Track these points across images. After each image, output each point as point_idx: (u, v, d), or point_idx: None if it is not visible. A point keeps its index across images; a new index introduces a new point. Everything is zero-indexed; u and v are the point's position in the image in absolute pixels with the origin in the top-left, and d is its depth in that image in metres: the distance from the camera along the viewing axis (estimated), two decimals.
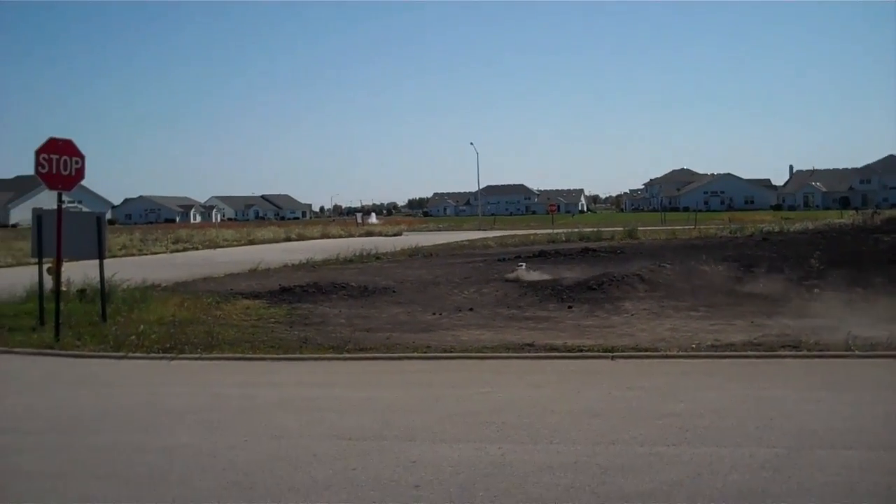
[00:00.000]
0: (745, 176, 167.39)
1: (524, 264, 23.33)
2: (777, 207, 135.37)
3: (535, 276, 21.39)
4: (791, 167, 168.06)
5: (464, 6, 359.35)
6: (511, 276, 22.01)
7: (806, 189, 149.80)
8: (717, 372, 10.25)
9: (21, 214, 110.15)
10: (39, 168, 13.77)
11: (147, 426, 8.24)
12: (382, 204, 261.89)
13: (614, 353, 11.34)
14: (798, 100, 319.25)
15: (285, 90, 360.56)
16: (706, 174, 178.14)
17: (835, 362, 10.63)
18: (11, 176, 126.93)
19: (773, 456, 6.53)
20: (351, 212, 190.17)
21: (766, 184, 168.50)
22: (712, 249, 29.04)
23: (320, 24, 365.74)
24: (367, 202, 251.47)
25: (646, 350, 11.61)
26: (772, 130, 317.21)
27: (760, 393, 8.93)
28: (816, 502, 5.56)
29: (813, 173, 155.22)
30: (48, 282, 14.90)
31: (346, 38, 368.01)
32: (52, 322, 13.99)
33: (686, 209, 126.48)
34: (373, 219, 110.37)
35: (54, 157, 13.91)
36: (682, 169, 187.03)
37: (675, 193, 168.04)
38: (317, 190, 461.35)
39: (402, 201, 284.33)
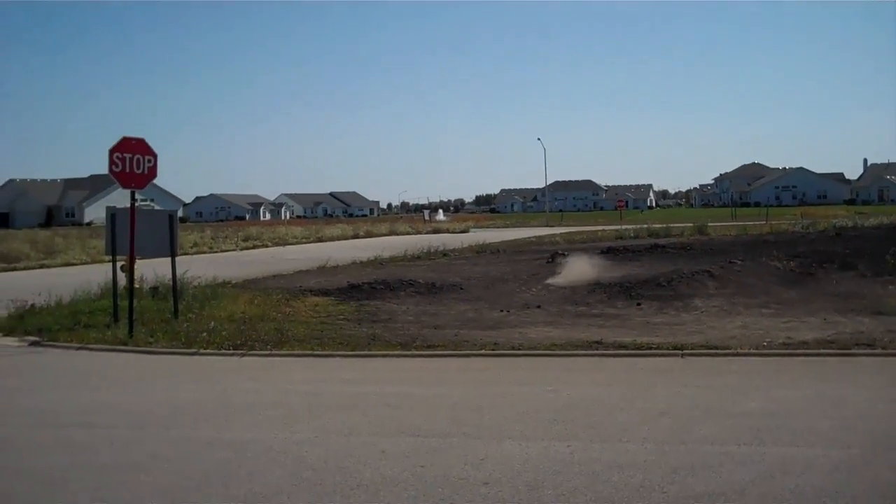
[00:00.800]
0: (818, 170, 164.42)
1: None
2: (850, 202, 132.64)
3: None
4: (865, 160, 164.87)
5: (527, 4, 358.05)
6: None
7: (881, 182, 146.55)
8: (790, 370, 10.11)
9: (95, 213, 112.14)
10: (113, 167, 14.01)
11: (218, 421, 8.35)
12: (450, 200, 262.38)
13: (684, 351, 11.24)
14: (872, 91, 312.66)
15: (354, 88, 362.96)
16: (777, 168, 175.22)
17: None
18: (86, 175, 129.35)
19: (848, 456, 6.42)
20: (418, 209, 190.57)
21: (839, 178, 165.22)
22: (784, 245, 28.56)
23: (389, 20, 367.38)
24: (435, 199, 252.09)
25: (716, 348, 11.48)
26: (845, 122, 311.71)
27: (834, 392, 8.79)
28: None
29: (888, 166, 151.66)
30: (122, 279, 15.16)
31: (414, 34, 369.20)
32: (125, 319, 14.26)
33: (757, 204, 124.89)
34: (440, 216, 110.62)
35: (127, 155, 14.14)
36: (753, 163, 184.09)
37: (745, 188, 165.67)
38: (385, 187, 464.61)
39: (469, 198, 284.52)
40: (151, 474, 6.61)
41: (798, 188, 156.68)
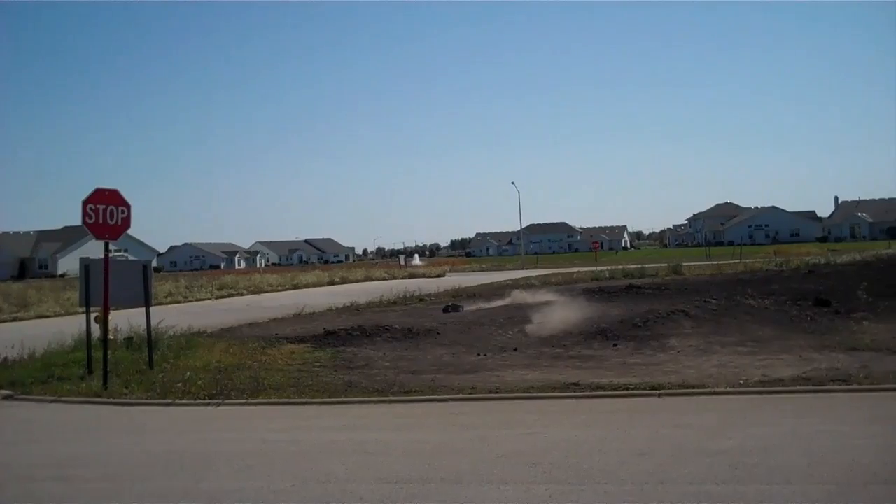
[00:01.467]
0: (790, 208, 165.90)
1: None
2: (823, 239, 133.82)
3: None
4: (836, 198, 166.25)
5: (496, 43, 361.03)
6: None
7: (852, 220, 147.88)
8: (766, 407, 10.14)
9: (69, 264, 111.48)
10: (87, 218, 13.99)
11: (195, 472, 8.27)
12: (425, 245, 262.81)
13: (661, 391, 11.26)
14: (842, 130, 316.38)
15: (324, 134, 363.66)
16: (750, 207, 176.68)
17: (886, 396, 10.50)
18: (59, 226, 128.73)
19: (825, 493, 6.43)
20: (394, 254, 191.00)
21: (811, 216, 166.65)
22: (758, 284, 28.74)
23: (360, 63, 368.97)
24: (410, 244, 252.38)
25: (693, 387, 11.51)
26: (816, 162, 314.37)
27: (811, 428, 8.82)
28: None
29: (859, 204, 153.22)
30: (96, 330, 15.07)
31: (383, 79, 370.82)
32: (99, 370, 14.14)
33: (731, 243, 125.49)
34: (416, 260, 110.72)
35: (101, 206, 14.12)
36: (726, 203, 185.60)
37: (719, 228, 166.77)
38: (360, 233, 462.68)
39: (444, 242, 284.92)
40: None
41: (771, 227, 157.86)
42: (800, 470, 7.10)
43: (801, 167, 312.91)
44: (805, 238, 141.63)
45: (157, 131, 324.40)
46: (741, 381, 11.73)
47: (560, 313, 22.52)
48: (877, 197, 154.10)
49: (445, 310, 21.85)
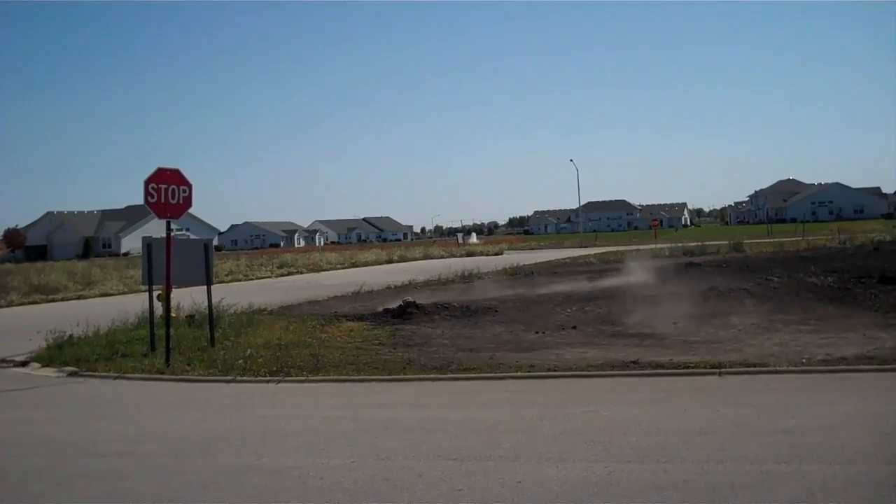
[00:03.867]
0: (854, 185, 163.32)
1: None
2: (888, 216, 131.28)
3: None
4: None
5: (561, 24, 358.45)
6: None
7: None
8: (829, 387, 9.99)
9: (132, 243, 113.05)
10: (149, 197, 14.13)
11: (255, 448, 8.35)
12: (483, 223, 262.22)
13: (722, 370, 11.13)
14: None
15: (387, 112, 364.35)
16: (813, 184, 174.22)
17: None
18: (122, 206, 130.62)
19: (891, 473, 6.33)
20: (452, 232, 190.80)
21: (875, 192, 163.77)
22: (821, 261, 28.36)
23: (418, 46, 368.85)
24: (468, 222, 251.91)
25: (754, 365, 11.37)
26: (881, 136, 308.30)
27: (875, 408, 8.68)
28: None
29: None
30: (158, 308, 15.27)
31: (443, 60, 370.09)
32: (162, 348, 14.34)
33: (793, 220, 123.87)
34: (473, 238, 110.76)
35: (162, 186, 14.25)
36: (789, 179, 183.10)
37: (781, 205, 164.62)
38: (418, 211, 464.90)
39: (502, 220, 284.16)
40: (190, 502, 6.63)
41: (834, 203, 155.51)
42: (864, 450, 6.99)
43: (865, 142, 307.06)
44: (870, 215, 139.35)
45: (219, 110, 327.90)
46: (804, 360, 11.55)
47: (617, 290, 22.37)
48: None
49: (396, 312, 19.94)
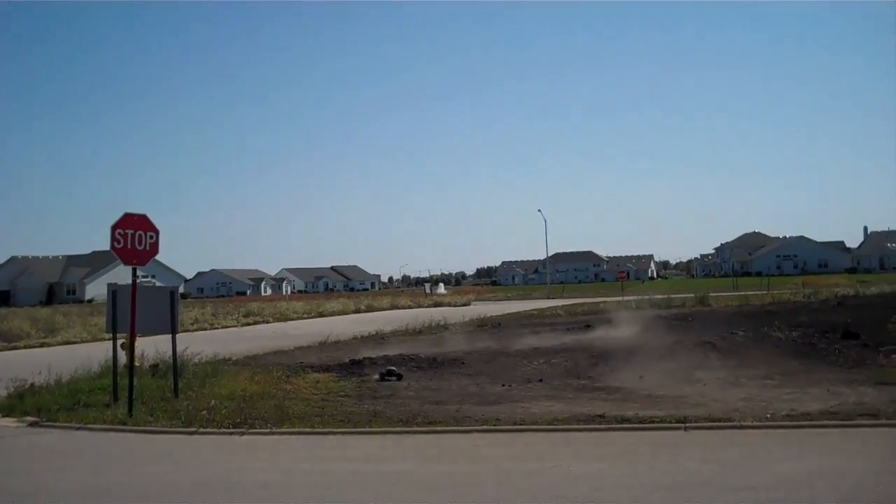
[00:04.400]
0: (819, 238, 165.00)
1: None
2: (852, 270, 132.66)
3: None
4: (866, 228, 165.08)
5: (524, 68, 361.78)
6: None
7: (882, 250, 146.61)
8: (794, 442, 10.04)
9: (96, 289, 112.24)
10: (115, 243, 14.06)
11: (219, 501, 8.27)
12: (451, 273, 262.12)
13: (687, 424, 11.16)
14: (873, 160, 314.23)
15: (355, 162, 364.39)
16: (778, 237, 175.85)
17: None
18: (88, 251, 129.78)
19: None
20: (419, 282, 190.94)
21: (839, 246, 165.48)
22: (786, 315, 28.59)
23: (384, 99, 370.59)
24: (436, 272, 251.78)
25: (719, 420, 11.41)
26: (845, 191, 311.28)
27: (838, 464, 8.73)
28: None
29: (889, 234, 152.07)
30: (122, 357, 15.14)
31: (413, 106, 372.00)
32: (125, 398, 14.19)
33: (758, 274, 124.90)
34: (441, 289, 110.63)
35: (129, 232, 14.19)
36: (754, 232, 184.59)
37: (746, 258, 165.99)
38: (385, 260, 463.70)
39: (470, 270, 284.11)
40: None
41: (799, 257, 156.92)
42: None
43: (829, 197, 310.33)
44: (834, 269, 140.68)
45: (186, 156, 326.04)
46: (768, 415, 11.61)
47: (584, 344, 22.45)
48: None
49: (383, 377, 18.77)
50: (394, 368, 18.12)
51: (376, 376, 17.62)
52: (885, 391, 13.46)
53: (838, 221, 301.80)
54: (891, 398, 12.59)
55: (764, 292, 55.44)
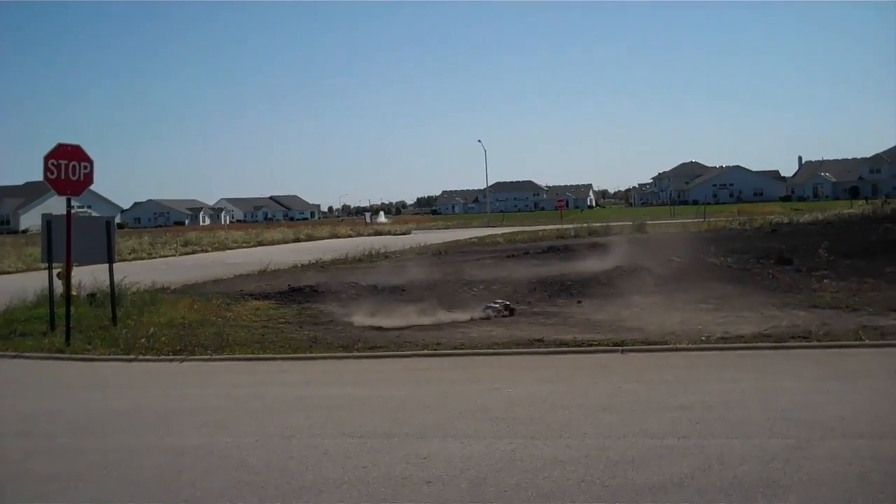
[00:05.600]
0: (754, 168, 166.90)
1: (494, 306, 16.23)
2: (786, 199, 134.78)
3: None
4: (800, 158, 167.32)
5: (467, 4, 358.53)
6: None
7: (815, 180, 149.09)
8: (727, 364, 10.23)
9: (31, 220, 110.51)
10: (48, 174, 13.81)
11: (158, 428, 8.25)
12: (391, 203, 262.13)
13: (624, 347, 11.33)
14: (806, 90, 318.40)
15: (293, 91, 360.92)
16: (715, 167, 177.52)
17: (845, 352, 10.61)
18: (21, 182, 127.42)
19: (784, 447, 6.52)
20: (360, 211, 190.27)
21: (775, 175, 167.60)
22: (721, 242, 28.97)
23: (325, 23, 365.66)
24: (376, 201, 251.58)
25: (655, 343, 11.60)
26: (780, 122, 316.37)
27: (771, 384, 8.92)
28: (828, 492, 5.55)
29: (822, 164, 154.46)
30: (58, 287, 14.95)
31: (352, 39, 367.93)
32: (62, 327, 14.03)
33: (695, 202, 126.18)
34: (381, 218, 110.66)
35: (63, 162, 13.94)
36: (691, 162, 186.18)
37: (683, 187, 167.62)
38: (325, 190, 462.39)
39: (410, 200, 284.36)
40: (91, 482, 6.52)
41: (735, 186, 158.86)
42: (760, 425, 7.19)
43: (765, 127, 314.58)
44: (769, 197, 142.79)
45: (124, 88, 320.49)
46: (703, 338, 11.82)
47: (523, 271, 22.59)
48: (840, 157, 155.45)
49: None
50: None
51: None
52: (816, 314, 13.76)
53: (774, 152, 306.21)
54: (822, 321, 12.89)
55: (700, 220, 56.12)
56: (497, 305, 15.67)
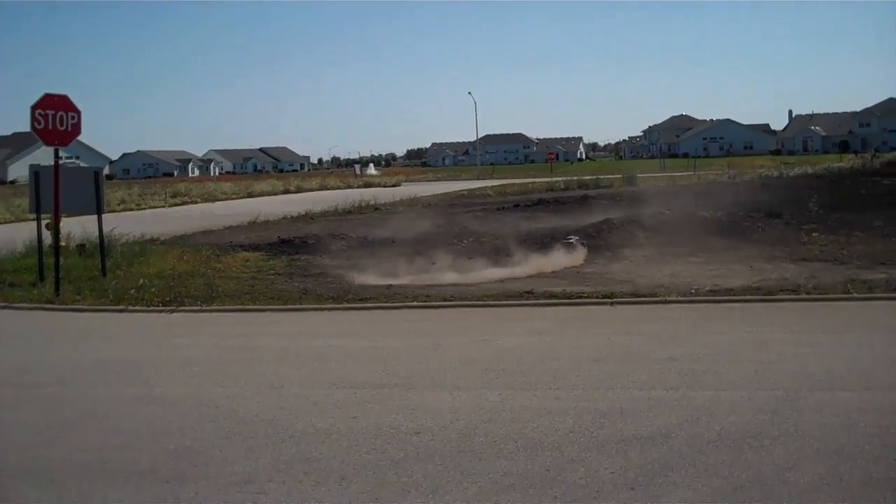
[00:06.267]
0: (744, 121, 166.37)
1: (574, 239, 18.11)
2: (776, 152, 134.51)
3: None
4: (790, 112, 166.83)
5: None
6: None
7: (805, 133, 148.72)
8: (716, 316, 10.28)
9: (19, 171, 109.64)
10: (35, 124, 13.73)
11: (148, 378, 8.26)
12: (381, 155, 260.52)
13: (613, 300, 11.36)
14: (796, 44, 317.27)
15: (281, 42, 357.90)
16: (705, 120, 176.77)
17: (833, 305, 10.67)
18: (8, 132, 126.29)
19: (772, 398, 6.55)
20: (349, 163, 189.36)
21: (765, 129, 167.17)
22: (711, 195, 28.90)
23: None
24: (366, 153, 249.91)
25: (645, 296, 11.64)
26: (770, 75, 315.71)
27: (759, 337, 8.95)
28: (815, 444, 5.58)
29: (812, 118, 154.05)
30: (47, 237, 14.89)
31: None
32: (51, 277, 14.01)
33: (685, 155, 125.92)
34: (371, 170, 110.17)
35: (50, 112, 13.85)
36: (681, 115, 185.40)
37: (674, 140, 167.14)
38: (315, 142, 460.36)
39: (400, 152, 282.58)
40: (81, 432, 6.53)
41: (725, 139, 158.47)
42: (747, 377, 7.23)
43: (755, 81, 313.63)
44: (759, 151, 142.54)
45: (110, 35, 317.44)
46: (692, 291, 11.85)
47: (514, 224, 22.58)
48: (830, 111, 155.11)
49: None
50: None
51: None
52: (805, 267, 13.83)
53: (764, 105, 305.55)
54: (810, 274, 12.95)
55: (691, 173, 56.08)
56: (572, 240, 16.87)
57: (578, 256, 16.01)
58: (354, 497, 5.04)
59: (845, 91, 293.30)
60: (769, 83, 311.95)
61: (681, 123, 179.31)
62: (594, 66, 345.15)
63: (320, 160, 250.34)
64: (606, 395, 6.85)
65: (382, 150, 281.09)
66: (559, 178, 52.67)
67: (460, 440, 5.92)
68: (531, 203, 31.24)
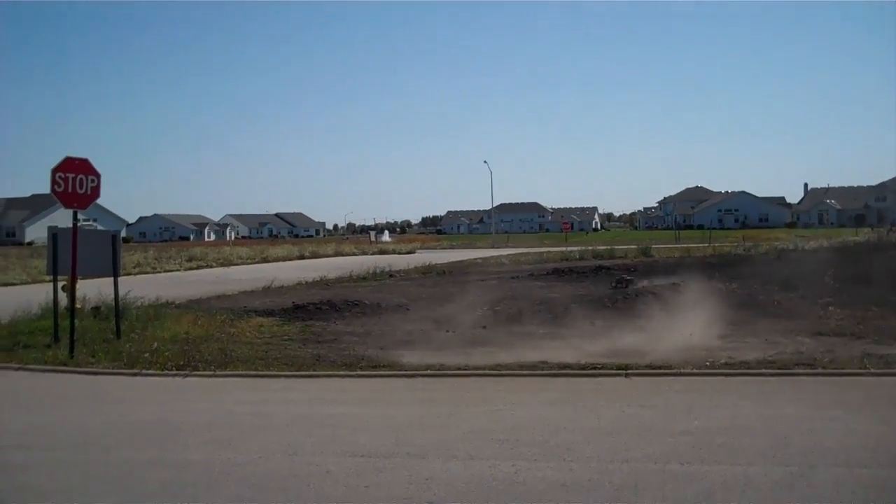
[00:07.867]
0: (760, 194, 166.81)
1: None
2: (791, 225, 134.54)
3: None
4: (806, 185, 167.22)
5: (476, 26, 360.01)
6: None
7: (820, 206, 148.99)
8: (731, 390, 10.20)
9: (37, 232, 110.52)
10: (55, 186, 13.86)
11: (160, 443, 8.24)
12: (396, 222, 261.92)
13: (628, 371, 11.31)
14: (813, 117, 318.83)
15: (300, 109, 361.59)
16: (720, 192, 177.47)
17: (850, 380, 10.60)
18: (28, 194, 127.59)
19: (787, 474, 6.50)
20: (364, 230, 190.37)
21: (780, 201, 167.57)
22: (726, 267, 28.91)
23: (333, 41, 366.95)
24: (381, 220, 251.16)
25: (660, 367, 11.58)
26: (786, 148, 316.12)
27: (774, 411, 8.89)
28: None
29: (828, 191, 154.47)
30: (63, 299, 14.96)
31: (360, 56, 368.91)
32: (66, 339, 14.05)
33: (700, 227, 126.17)
34: (386, 237, 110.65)
35: (70, 175, 13.99)
36: (697, 187, 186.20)
37: (689, 211, 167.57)
38: (331, 208, 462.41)
39: (415, 219, 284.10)
40: (91, 497, 6.51)
41: (740, 211, 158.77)
42: (763, 451, 7.17)
43: (771, 154, 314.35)
44: (774, 224, 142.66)
45: (131, 102, 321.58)
46: (707, 363, 11.80)
47: (529, 292, 22.56)
48: (845, 184, 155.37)
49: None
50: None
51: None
52: (820, 341, 13.73)
53: (779, 178, 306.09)
54: (826, 348, 12.87)
55: (706, 245, 56.03)
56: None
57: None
58: None
59: (861, 165, 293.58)
60: (785, 156, 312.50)
61: (696, 195, 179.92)
62: (610, 137, 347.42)
63: (335, 226, 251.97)
64: (621, 468, 6.80)
65: (398, 216, 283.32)
66: (574, 248, 52.70)
67: None
68: (546, 272, 31.26)
